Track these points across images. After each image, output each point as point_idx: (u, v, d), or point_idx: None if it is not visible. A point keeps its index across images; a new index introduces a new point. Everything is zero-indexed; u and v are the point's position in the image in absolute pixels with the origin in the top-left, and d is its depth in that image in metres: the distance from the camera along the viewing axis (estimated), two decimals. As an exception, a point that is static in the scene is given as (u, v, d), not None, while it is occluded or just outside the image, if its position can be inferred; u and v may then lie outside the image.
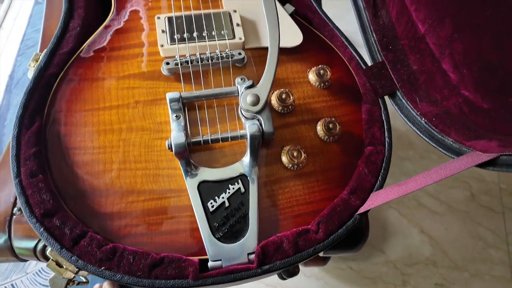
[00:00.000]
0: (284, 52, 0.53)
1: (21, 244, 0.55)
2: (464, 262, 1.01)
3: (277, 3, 0.55)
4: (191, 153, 0.46)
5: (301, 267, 0.66)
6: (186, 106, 0.48)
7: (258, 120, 0.46)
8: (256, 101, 0.45)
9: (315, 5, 0.57)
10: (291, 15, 0.56)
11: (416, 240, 1.04)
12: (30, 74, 0.51)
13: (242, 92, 0.45)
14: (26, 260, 0.58)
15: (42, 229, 0.41)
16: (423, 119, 0.47)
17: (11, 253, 0.56)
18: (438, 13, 0.45)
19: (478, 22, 0.41)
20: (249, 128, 0.45)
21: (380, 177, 0.47)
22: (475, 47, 0.41)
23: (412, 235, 1.05)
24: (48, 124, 0.47)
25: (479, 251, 1.02)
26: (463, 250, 1.02)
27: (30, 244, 0.54)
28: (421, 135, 0.47)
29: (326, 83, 0.52)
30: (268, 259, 0.42)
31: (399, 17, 0.52)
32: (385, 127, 0.50)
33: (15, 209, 0.56)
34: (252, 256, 0.42)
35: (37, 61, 0.50)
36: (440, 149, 0.45)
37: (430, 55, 0.48)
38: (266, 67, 0.45)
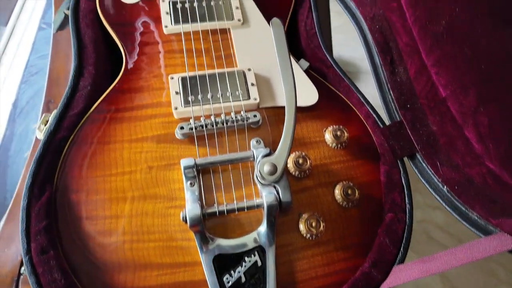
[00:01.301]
0: (299, 111, 0.51)
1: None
2: (475, 299, 0.99)
3: (292, 60, 0.54)
4: (205, 221, 0.45)
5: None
6: (201, 171, 0.47)
7: (275, 187, 0.45)
8: (273, 171, 0.44)
9: (330, 59, 0.56)
10: (306, 70, 0.55)
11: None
12: (40, 136, 0.50)
13: (259, 161, 0.44)
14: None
15: (53, 311, 0.40)
16: (445, 186, 0.46)
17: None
18: (462, 82, 0.44)
19: (506, 100, 0.39)
20: (265, 197, 0.43)
21: (402, 248, 0.45)
22: (503, 123, 0.40)
23: (422, 268, 1.03)
24: (58, 192, 0.46)
25: (491, 287, 1.00)
26: (475, 286, 1.00)
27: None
28: (444, 204, 0.46)
29: (343, 144, 0.50)
30: None
31: (418, 76, 0.51)
32: (406, 192, 0.48)
33: (23, 268, 0.54)
34: (271, 336, 0.41)
35: (46, 123, 0.49)
36: (464, 223, 0.43)
37: (452, 120, 0.47)
38: (282, 136, 0.44)
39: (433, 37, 0.45)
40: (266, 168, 0.44)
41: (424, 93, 0.50)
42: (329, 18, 0.80)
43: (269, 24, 0.56)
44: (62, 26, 0.61)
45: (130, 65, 0.53)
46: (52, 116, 0.49)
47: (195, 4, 0.56)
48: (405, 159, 0.51)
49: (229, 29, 0.56)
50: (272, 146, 0.49)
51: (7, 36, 1.40)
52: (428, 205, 1.07)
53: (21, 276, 0.53)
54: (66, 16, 0.59)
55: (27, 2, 1.49)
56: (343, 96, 0.55)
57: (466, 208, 0.44)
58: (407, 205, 0.47)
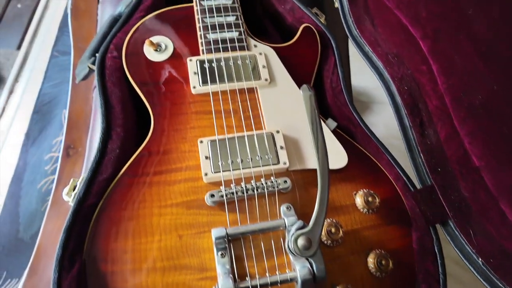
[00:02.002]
0: (328, 174, 0.51)
1: None
2: None
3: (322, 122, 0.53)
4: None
5: None
6: (232, 240, 0.46)
7: (307, 259, 0.44)
8: (308, 246, 0.43)
9: (357, 118, 0.55)
10: (333, 130, 0.55)
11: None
12: (66, 198, 0.50)
13: (292, 234, 0.43)
14: None
15: None
16: (479, 258, 0.45)
17: None
18: (498, 157, 0.43)
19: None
20: (299, 271, 0.43)
21: (437, 322, 0.44)
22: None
23: None
24: (88, 263, 0.45)
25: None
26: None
27: None
28: (479, 277, 0.45)
29: (375, 209, 0.50)
30: None
31: (449, 141, 0.50)
32: (439, 261, 0.48)
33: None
34: None
35: (74, 189, 0.49)
36: (502, 300, 0.42)
37: (485, 189, 0.46)
38: (316, 207, 0.43)
39: (468, 110, 0.45)
40: (301, 242, 0.43)
41: (455, 158, 0.50)
42: (349, 64, 0.80)
43: (296, 84, 0.56)
44: (85, 77, 0.61)
45: (158, 127, 0.53)
46: (80, 181, 0.49)
47: (222, 63, 0.56)
48: (438, 225, 0.50)
49: (256, 88, 0.55)
50: (301, 210, 0.49)
51: (19, 63, 1.41)
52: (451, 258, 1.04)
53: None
54: (90, 70, 0.59)
55: (40, 27, 1.50)
56: (372, 157, 0.54)
57: (503, 284, 0.43)
58: (441, 275, 0.47)
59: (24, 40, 1.46)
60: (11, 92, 1.32)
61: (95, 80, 0.57)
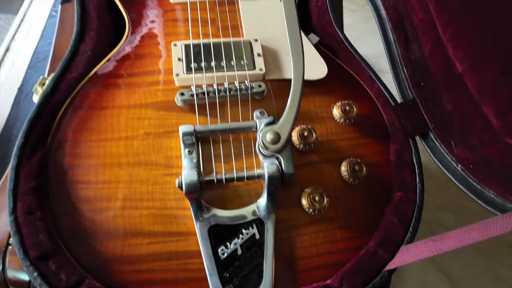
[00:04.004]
0: (307, 85, 0.49)
1: (15, 276, 0.51)
2: (484, 305, 0.94)
3: (302, 33, 0.52)
4: (202, 192, 0.43)
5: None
6: (200, 140, 0.45)
7: (277, 158, 0.42)
8: (276, 140, 0.41)
9: (341, 35, 0.54)
10: (316, 45, 0.53)
11: (433, 278, 0.98)
12: (35, 99, 0.48)
13: (262, 129, 0.42)
14: (20, 294, 0.54)
15: (35, 274, 0.37)
16: (459, 165, 0.43)
17: (4, 286, 0.52)
18: (481, 54, 0.41)
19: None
20: (267, 167, 0.41)
21: (411, 228, 0.42)
22: (525, 94, 0.37)
23: (429, 273, 0.99)
24: (50, 155, 0.44)
25: (500, 293, 0.95)
26: (484, 292, 0.96)
27: (25, 276, 0.50)
28: (458, 184, 0.43)
29: (352, 120, 0.48)
30: (284, 319, 0.38)
31: (433, 53, 0.48)
32: (417, 171, 0.45)
33: (11, 239, 0.52)
34: (266, 314, 0.38)
35: (43, 85, 0.47)
36: (480, 202, 0.40)
37: (468, 96, 0.44)
38: (288, 102, 0.41)
39: (451, 11, 0.43)
40: (269, 136, 0.41)
41: (439, 70, 0.48)
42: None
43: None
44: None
45: (133, 33, 0.51)
46: (49, 79, 0.48)
47: (203, -27, 0.54)
48: (417, 139, 0.48)
49: (237, 0, 0.54)
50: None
51: (18, 23, 1.41)
52: (437, 207, 1.03)
53: (9, 247, 0.51)
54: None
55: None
56: (353, 73, 0.52)
57: (482, 186, 0.41)
58: (418, 185, 0.45)
59: (23, 4, 1.46)
60: (7, 49, 1.32)
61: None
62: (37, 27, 1.37)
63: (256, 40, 0.50)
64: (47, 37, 1.35)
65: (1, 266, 0.51)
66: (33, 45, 1.33)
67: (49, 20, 1.41)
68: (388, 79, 0.53)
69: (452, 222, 1.03)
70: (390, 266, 0.40)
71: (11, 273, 0.51)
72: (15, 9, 1.54)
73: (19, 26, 1.38)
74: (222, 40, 0.50)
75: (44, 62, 1.28)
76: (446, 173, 0.44)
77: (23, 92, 1.24)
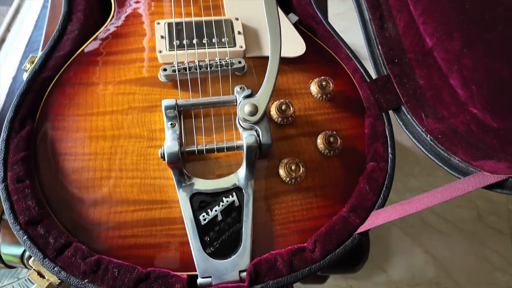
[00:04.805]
0: (286, 62, 0.51)
1: (8, 250, 0.53)
2: (469, 285, 0.97)
3: (281, 12, 0.54)
4: (185, 163, 0.45)
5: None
6: (182, 114, 0.47)
7: (256, 131, 0.44)
8: (254, 111, 0.43)
9: (320, 16, 0.55)
10: (295, 25, 0.55)
11: (419, 260, 1.01)
12: (25, 76, 0.50)
13: (240, 102, 0.44)
14: (14, 267, 0.56)
15: (25, 237, 0.39)
16: (428, 136, 0.45)
17: (-1, 260, 0.55)
18: (447, 26, 0.43)
19: (489, 37, 0.39)
20: (246, 139, 0.43)
21: (382, 195, 0.44)
22: (485, 63, 0.39)
23: (416, 255, 1.02)
24: (39, 129, 0.46)
25: (485, 274, 0.98)
26: (468, 272, 0.98)
27: (18, 251, 0.52)
28: (427, 153, 0.45)
29: (329, 95, 0.50)
30: (261, 278, 0.40)
31: (407, 30, 0.50)
32: (389, 143, 0.48)
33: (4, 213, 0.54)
34: (244, 274, 0.40)
35: (32, 63, 0.49)
36: (446, 168, 0.42)
37: (438, 70, 0.46)
38: (266, 76, 0.43)
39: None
40: (247, 108, 0.43)
41: (412, 47, 0.50)
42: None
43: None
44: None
45: (118, 13, 0.53)
46: (38, 57, 0.49)
47: (186, -46, 0.56)
48: (391, 113, 0.50)
49: (219, -19, 0.56)
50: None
51: (12, 14, 1.42)
52: (424, 191, 1.05)
53: (2, 221, 0.54)
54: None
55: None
56: (331, 52, 0.54)
57: (448, 154, 0.43)
58: (390, 155, 0.47)
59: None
60: (2, 40, 1.33)
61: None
62: (31, 18, 1.39)
63: (237, 19, 0.52)
64: (41, 27, 1.36)
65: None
66: (27, 36, 1.35)
67: (42, 10, 1.42)
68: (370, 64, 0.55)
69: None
70: (361, 229, 0.42)
71: (5, 247, 0.53)
72: (9, 0, 1.55)
73: (13, 17, 1.39)
74: (203, 18, 0.52)
75: (37, 52, 1.30)
76: (417, 143, 0.46)
77: (17, 81, 1.25)
